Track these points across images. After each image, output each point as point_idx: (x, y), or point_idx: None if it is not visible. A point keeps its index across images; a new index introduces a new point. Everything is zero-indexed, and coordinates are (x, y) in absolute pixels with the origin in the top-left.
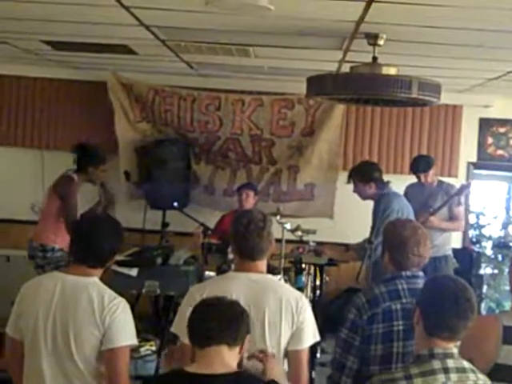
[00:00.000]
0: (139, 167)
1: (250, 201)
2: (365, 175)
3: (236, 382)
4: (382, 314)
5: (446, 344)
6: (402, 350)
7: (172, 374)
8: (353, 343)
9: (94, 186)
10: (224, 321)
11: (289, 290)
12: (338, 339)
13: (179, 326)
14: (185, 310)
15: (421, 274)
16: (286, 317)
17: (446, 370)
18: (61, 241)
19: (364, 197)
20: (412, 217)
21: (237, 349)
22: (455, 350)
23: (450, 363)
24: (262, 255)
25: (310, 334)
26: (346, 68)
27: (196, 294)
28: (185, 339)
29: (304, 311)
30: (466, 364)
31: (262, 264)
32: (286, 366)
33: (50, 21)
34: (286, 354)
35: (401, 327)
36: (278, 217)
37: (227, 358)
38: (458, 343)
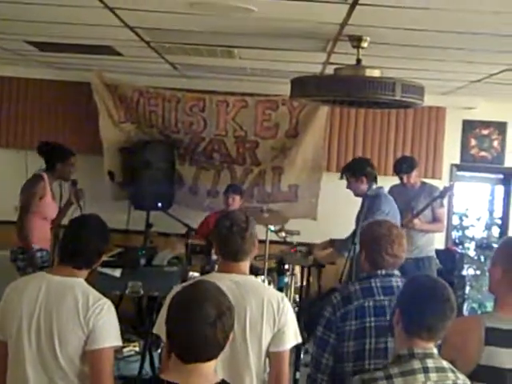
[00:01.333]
0: (123, 168)
1: (235, 204)
2: (356, 170)
3: None
4: (355, 310)
5: (425, 344)
6: (375, 347)
7: (148, 381)
8: (328, 340)
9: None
10: (211, 343)
11: (271, 292)
12: (315, 337)
13: (162, 327)
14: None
15: (396, 272)
16: (268, 318)
17: (425, 370)
18: (37, 240)
19: (357, 193)
20: (398, 221)
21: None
22: (435, 350)
23: (430, 363)
24: (245, 256)
25: (292, 336)
26: (330, 70)
27: None
28: None
29: (285, 313)
30: (445, 364)
31: (245, 265)
32: (267, 367)
33: (35, 22)
34: (268, 355)
35: (373, 324)
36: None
37: (207, 368)
38: (439, 343)
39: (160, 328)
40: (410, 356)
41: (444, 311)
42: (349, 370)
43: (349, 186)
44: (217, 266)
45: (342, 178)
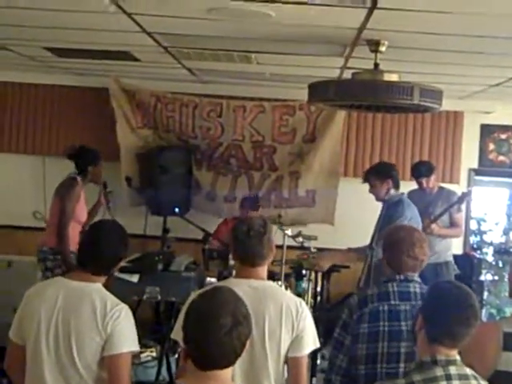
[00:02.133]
0: (141, 173)
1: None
2: (381, 173)
3: None
4: (369, 314)
5: (448, 351)
6: (387, 351)
7: None
8: (343, 342)
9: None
10: (227, 351)
11: (289, 297)
12: (332, 339)
13: (179, 332)
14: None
15: (416, 278)
16: (286, 324)
17: (448, 377)
18: (71, 244)
19: (380, 197)
20: (420, 227)
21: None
22: (458, 357)
23: (453, 370)
24: (263, 261)
25: (310, 341)
26: (347, 74)
27: None
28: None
29: (304, 318)
30: (468, 371)
31: (263, 270)
32: (285, 373)
33: (53, 28)
34: (286, 360)
35: (386, 328)
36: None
37: (224, 375)
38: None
39: (178, 333)
40: (432, 363)
41: (468, 318)
42: (361, 372)
43: (372, 190)
44: (234, 272)
45: (364, 181)
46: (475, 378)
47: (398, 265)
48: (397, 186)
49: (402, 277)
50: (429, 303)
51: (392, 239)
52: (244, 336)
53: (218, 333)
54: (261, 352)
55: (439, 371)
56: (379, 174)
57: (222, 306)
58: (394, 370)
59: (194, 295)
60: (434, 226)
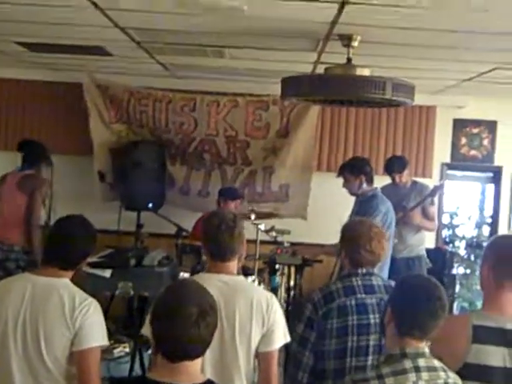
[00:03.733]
0: (114, 168)
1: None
2: (356, 168)
3: None
4: (337, 309)
5: (417, 343)
6: (357, 344)
7: (136, 380)
8: (308, 338)
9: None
10: (196, 341)
11: (259, 292)
12: (295, 335)
13: (149, 327)
14: None
15: (375, 271)
16: (257, 318)
17: (417, 369)
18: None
19: (353, 192)
20: (394, 222)
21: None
22: (427, 350)
23: (421, 362)
24: (234, 256)
25: (281, 335)
26: (320, 69)
27: None
28: None
29: (274, 312)
30: (436, 363)
31: (234, 265)
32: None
33: (25, 22)
34: (257, 355)
35: (355, 322)
36: (253, 217)
37: (194, 367)
38: (429, 342)
39: (148, 329)
40: (401, 355)
41: (436, 310)
42: (330, 367)
43: (346, 185)
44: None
45: (339, 175)
46: (444, 370)
47: (356, 259)
48: (370, 181)
49: (364, 270)
50: (397, 296)
51: (350, 234)
52: (211, 325)
53: (184, 323)
54: (231, 346)
55: (408, 363)
56: (353, 169)
57: (188, 296)
58: (362, 363)
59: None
60: (414, 213)
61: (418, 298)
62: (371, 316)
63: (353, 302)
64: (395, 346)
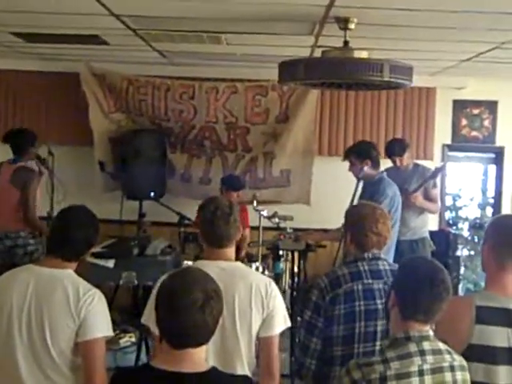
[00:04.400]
0: (114, 158)
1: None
2: (362, 153)
3: (209, 381)
4: (344, 294)
5: (421, 326)
6: (364, 330)
7: (141, 368)
8: (316, 325)
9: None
10: (200, 327)
11: (258, 277)
12: (302, 321)
13: (149, 316)
14: (153, 300)
15: (382, 255)
16: (256, 303)
17: (422, 353)
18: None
19: (359, 176)
20: (400, 206)
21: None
22: (431, 332)
23: (426, 345)
24: (230, 242)
25: (281, 320)
26: (318, 53)
27: None
28: (156, 330)
29: (274, 297)
30: (441, 346)
31: (231, 251)
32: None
33: (20, 12)
34: (258, 340)
35: (362, 308)
36: (255, 203)
37: (198, 355)
38: (433, 325)
39: (147, 317)
40: (406, 339)
41: (440, 293)
42: (338, 353)
43: (351, 169)
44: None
45: (344, 159)
46: (449, 353)
47: (363, 242)
48: (377, 165)
49: (370, 255)
50: (400, 280)
51: (355, 217)
52: (216, 311)
53: (190, 309)
54: (232, 332)
55: (413, 347)
56: (359, 154)
57: (193, 282)
58: (370, 349)
59: (163, 277)
60: (418, 195)
61: (420, 281)
62: (378, 301)
63: (360, 287)
64: (399, 329)
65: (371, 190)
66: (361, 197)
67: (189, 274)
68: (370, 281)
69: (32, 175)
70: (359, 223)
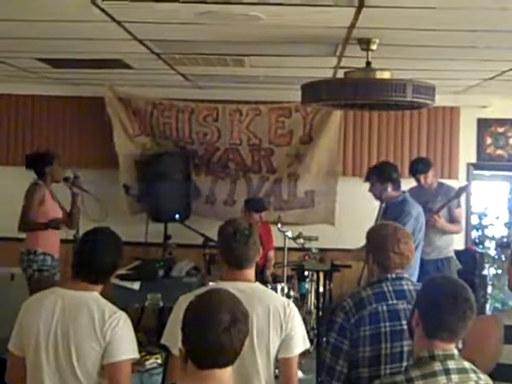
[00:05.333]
0: (139, 181)
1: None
2: (383, 174)
3: None
4: (369, 316)
5: (446, 345)
6: (390, 351)
7: None
8: (342, 347)
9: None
10: (226, 348)
11: (276, 298)
12: (328, 343)
13: (169, 337)
14: (174, 320)
15: (405, 275)
16: (275, 325)
17: (447, 372)
18: (43, 245)
19: (378, 197)
20: (424, 227)
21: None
22: (455, 351)
23: (451, 364)
24: (250, 263)
25: (300, 342)
26: (340, 74)
27: (183, 304)
28: (174, 350)
29: (292, 318)
30: (466, 364)
31: (250, 273)
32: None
33: (44, 38)
34: (277, 361)
35: (388, 329)
36: (279, 225)
37: (224, 376)
38: (460, 345)
39: (167, 338)
40: (430, 358)
41: (464, 311)
42: (365, 375)
43: (372, 190)
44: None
45: (366, 180)
46: (474, 372)
47: (385, 263)
48: (398, 187)
49: (393, 275)
50: (424, 298)
51: (376, 238)
52: (243, 334)
53: (216, 329)
54: (250, 354)
55: (437, 366)
56: (381, 175)
57: (220, 303)
58: (397, 370)
59: (185, 298)
60: (436, 217)
61: (444, 299)
62: (403, 322)
63: (384, 308)
64: (423, 348)
65: (395, 210)
66: (384, 218)
67: (216, 295)
68: (395, 301)
69: (32, 189)
70: (381, 244)
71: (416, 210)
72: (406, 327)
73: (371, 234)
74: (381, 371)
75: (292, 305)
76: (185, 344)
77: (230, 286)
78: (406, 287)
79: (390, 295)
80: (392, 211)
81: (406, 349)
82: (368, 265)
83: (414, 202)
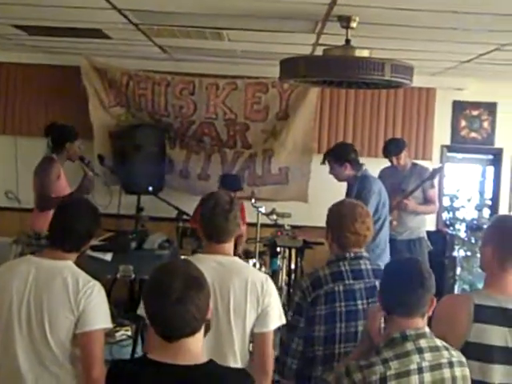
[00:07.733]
0: (114, 152)
1: None
2: (340, 156)
3: (206, 373)
4: (325, 295)
5: (407, 321)
6: (345, 331)
7: (137, 360)
8: (297, 325)
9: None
10: (186, 315)
11: (254, 273)
12: (286, 322)
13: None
14: None
15: (364, 254)
16: (251, 299)
17: (419, 350)
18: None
19: (340, 178)
20: (387, 200)
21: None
22: (427, 329)
23: (423, 343)
24: (229, 237)
25: (276, 317)
26: (319, 51)
27: None
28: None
29: (269, 294)
30: (438, 342)
31: (229, 246)
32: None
33: (22, 5)
34: (252, 336)
35: (343, 308)
36: (253, 200)
37: (193, 346)
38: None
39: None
40: (402, 338)
41: (419, 286)
42: (319, 353)
43: (332, 172)
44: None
45: (323, 163)
46: (446, 349)
47: (342, 241)
48: (357, 166)
49: (351, 254)
50: (383, 277)
51: (334, 217)
52: (198, 299)
53: (170, 298)
54: (226, 327)
55: (410, 345)
56: (337, 157)
57: (173, 272)
58: (351, 349)
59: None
60: (407, 201)
61: (398, 275)
62: (359, 302)
63: (341, 288)
64: (395, 329)
65: (356, 189)
66: (348, 195)
67: (171, 265)
68: (352, 281)
69: (50, 163)
70: (338, 222)
71: (377, 185)
72: (361, 307)
73: (331, 212)
74: (335, 350)
75: (270, 280)
76: (148, 317)
77: (210, 260)
78: (363, 266)
79: (347, 275)
80: (353, 190)
81: (360, 329)
82: (328, 242)
83: (375, 177)
